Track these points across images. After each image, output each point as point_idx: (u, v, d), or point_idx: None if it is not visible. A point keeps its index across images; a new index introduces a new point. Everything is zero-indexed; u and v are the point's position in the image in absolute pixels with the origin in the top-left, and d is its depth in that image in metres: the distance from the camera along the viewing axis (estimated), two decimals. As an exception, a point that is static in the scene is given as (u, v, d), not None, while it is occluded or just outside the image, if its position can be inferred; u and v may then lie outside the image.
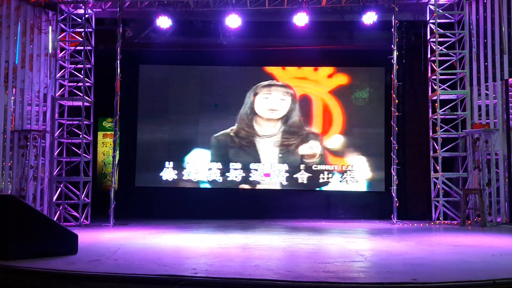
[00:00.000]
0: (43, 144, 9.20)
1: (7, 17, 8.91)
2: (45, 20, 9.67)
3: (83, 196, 9.27)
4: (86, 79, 9.60)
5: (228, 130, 11.17)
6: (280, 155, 11.07)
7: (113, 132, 9.64)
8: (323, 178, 10.96)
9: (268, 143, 11.12)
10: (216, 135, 11.17)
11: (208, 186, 11.09)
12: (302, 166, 11.00)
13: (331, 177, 10.96)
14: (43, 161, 9.28)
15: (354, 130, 11.12)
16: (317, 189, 10.99)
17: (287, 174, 11.02)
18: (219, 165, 11.09)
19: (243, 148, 11.13)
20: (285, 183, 11.01)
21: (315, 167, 10.99)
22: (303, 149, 11.07)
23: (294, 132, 11.13)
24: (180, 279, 3.47)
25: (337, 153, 11.07)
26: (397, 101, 9.63)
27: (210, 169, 11.07)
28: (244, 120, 11.16)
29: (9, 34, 8.91)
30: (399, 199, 9.48)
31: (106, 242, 6.22)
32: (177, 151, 11.21)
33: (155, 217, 10.31)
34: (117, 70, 9.43)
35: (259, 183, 11.02)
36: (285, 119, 11.17)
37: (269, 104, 11.20)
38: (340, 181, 10.97)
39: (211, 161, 11.09)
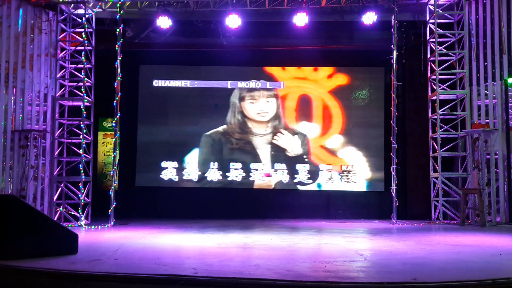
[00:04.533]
0: (43, 144, 9.21)
1: (8, 17, 8.91)
2: (46, 20, 9.67)
3: (83, 196, 9.28)
4: (86, 79, 9.61)
5: (219, 129, 11.20)
6: (278, 155, 11.09)
7: (113, 132, 9.65)
8: (323, 178, 10.98)
9: (262, 143, 11.13)
10: (208, 133, 11.21)
11: (208, 186, 11.09)
12: (301, 166, 11.01)
13: (331, 177, 10.98)
14: (43, 161, 9.29)
15: (354, 130, 11.13)
16: (317, 188, 11.00)
17: (287, 174, 11.03)
18: (219, 165, 11.11)
19: (241, 149, 11.14)
20: (284, 182, 11.02)
21: (314, 166, 11.01)
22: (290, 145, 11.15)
23: (284, 130, 11.19)
24: (180, 278, 3.48)
25: (337, 153, 11.08)
26: (396, 101, 9.65)
27: (211, 168, 11.09)
28: (235, 123, 11.18)
29: (9, 34, 8.92)
30: (399, 199, 9.49)
31: (106, 242, 6.23)
32: (177, 151, 11.21)
33: (155, 217, 10.32)
34: (117, 70, 9.44)
35: (259, 183, 11.04)
36: (275, 118, 11.22)
37: (258, 108, 11.24)
38: (340, 181, 10.98)
39: (210, 160, 11.12)
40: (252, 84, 11.30)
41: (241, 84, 11.31)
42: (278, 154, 11.11)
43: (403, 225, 8.91)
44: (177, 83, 11.41)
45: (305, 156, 11.06)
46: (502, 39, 9.13)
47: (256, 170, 11.06)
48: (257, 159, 11.10)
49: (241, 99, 11.26)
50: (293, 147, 11.10)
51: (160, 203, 10.97)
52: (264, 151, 11.13)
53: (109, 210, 9.04)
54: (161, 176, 11.15)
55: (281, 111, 11.24)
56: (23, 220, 4.54)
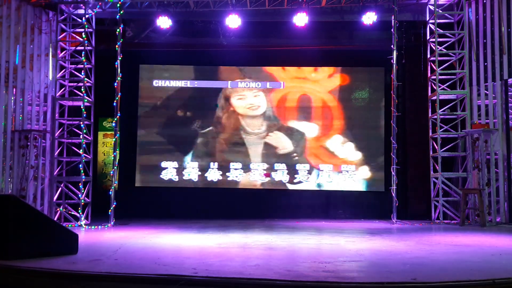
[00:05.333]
0: (43, 144, 9.22)
1: (8, 17, 8.91)
2: (46, 20, 9.68)
3: (83, 196, 9.28)
4: (86, 79, 9.61)
5: (216, 128, 11.22)
6: (276, 154, 11.09)
7: (113, 132, 9.65)
8: (322, 178, 10.97)
9: (260, 142, 11.14)
10: (203, 131, 11.23)
11: (208, 186, 11.09)
12: (301, 166, 11.01)
13: (331, 177, 10.98)
14: (43, 161, 9.29)
15: (354, 130, 11.14)
16: (317, 188, 11.00)
17: (287, 174, 11.03)
18: (219, 165, 11.10)
19: (239, 149, 11.14)
20: (284, 182, 11.02)
21: (313, 166, 11.01)
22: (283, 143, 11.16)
23: (277, 126, 11.21)
24: (180, 278, 3.48)
25: (337, 153, 11.08)
26: (397, 101, 9.65)
27: (211, 168, 11.09)
28: (229, 123, 11.17)
29: (9, 34, 8.91)
30: (399, 199, 9.49)
31: (106, 242, 6.23)
32: (177, 151, 11.22)
33: (155, 217, 10.32)
34: (117, 70, 9.44)
35: (259, 183, 11.04)
36: (270, 116, 11.24)
37: (247, 103, 11.26)
38: (340, 181, 10.98)
39: (210, 160, 11.12)
40: (241, 84, 11.30)
41: (230, 85, 11.32)
42: (277, 153, 11.11)
43: (403, 225, 8.91)
44: (177, 83, 11.42)
45: (300, 156, 11.06)
46: (502, 39, 9.13)
47: (256, 170, 11.06)
48: (256, 159, 11.09)
49: (227, 98, 11.25)
50: (285, 145, 11.09)
51: (160, 203, 10.96)
52: (262, 150, 11.12)
53: (109, 210, 9.04)
54: (161, 176, 11.15)
55: (272, 104, 11.22)
56: (23, 220, 4.54)
